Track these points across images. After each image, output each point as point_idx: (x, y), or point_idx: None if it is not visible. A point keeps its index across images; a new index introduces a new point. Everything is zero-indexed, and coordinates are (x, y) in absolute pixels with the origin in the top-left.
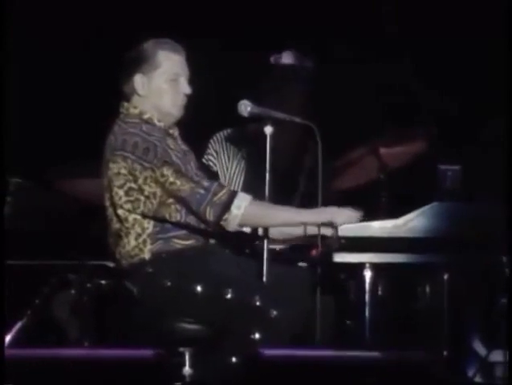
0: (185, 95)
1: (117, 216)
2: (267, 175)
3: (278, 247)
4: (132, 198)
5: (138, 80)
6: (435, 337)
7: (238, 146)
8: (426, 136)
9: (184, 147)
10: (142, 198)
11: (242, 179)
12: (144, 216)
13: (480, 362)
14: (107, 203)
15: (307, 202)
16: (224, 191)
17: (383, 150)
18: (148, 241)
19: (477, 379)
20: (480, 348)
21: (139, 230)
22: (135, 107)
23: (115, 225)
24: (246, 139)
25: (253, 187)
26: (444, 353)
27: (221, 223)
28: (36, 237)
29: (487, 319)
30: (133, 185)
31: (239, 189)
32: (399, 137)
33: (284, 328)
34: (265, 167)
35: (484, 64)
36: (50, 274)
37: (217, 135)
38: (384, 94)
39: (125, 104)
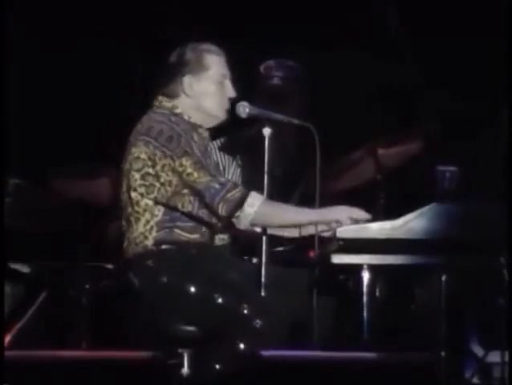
0: (230, 98)
1: (130, 199)
2: (266, 177)
3: (276, 249)
4: (147, 183)
5: (187, 82)
6: (433, 338)
7: (233, 154)
8: (424, 136)
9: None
10: (157, 184)
11: None
12: (157, 202)
13: (478, 363)
14: (124, 188)
15: (305, 203)
16: (238, 189)
17: (381, 151)
18: (155, 228)
19: (475, 380)
20: (478, 349)
21: (148, 217)
22: (168, 101)
23: (128, 210)
24: (241, 146)
25: None
26: (442, 354)
27: (233, 220)
28: (34, 238)
29: (485, 320)
30: (150, 170)
31: None
32: (397, 137)
33: (269, 339)
34: (261, 173)
35: (484, 63)
36: (49, 275)
37: (211, 144)
38: (383, 94)
39: (159, 97)
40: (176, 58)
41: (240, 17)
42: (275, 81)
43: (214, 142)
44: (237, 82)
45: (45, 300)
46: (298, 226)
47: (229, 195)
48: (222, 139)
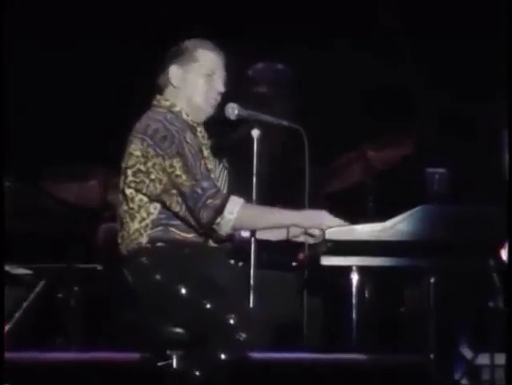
0: (219, 93)
1: (125, 195)
2: (254, 179)
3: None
4: (137, 179)
5: (174, 71)
6: (422, 340)
7: (219, 156)
8: (414, 138)
9: (205, 152)
10: (147, 181)
11: (226, 189)
12: (148, 197)
13: (467, 365)
14: (120, 185)
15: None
16: (218, 195)
17: (371, 153)
18: (150, 226)
19: (464, 382)
20: (467, 351)
21: (144, 214)
22: (166, 100)
23: (124, 207)
24: (229, 147)
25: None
26: (431, 356)
27: (214, 226)
28: (23, 239)
29: (474, 323)
30: (142, 167)
31: None
32: (387, 140)
33: (250, 351)
34: (247, 175)
35: (484, 63)
36: (38, 278)
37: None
38: (372, 96)
39: (158, 97)
40: (171, 49)
41: (236, 17)
42: (263, 85)
43: None
44: (231, 82)
45: (34, 302)
46: (281, 227)
47: (209, 201)
48: (210, 141)
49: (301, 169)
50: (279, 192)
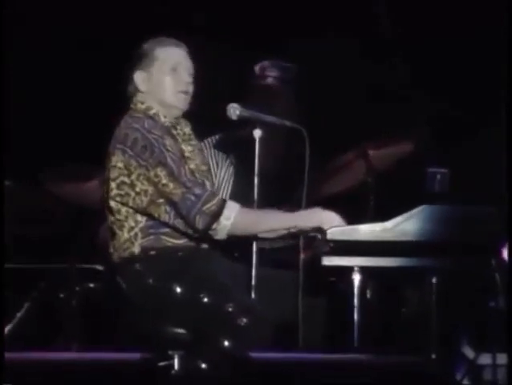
0: (187, 84)
1: (110, 208)
2: (256, 179)
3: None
4: (122, 192)
5: (138, 76)
6: (423, 340)
7: (226, 152)
8: (415, 137)
9: (188, 147)
10: (132, 194)
11: (231, 185)
12: (134, 210)
13: (468, 365)
14: (104, 197)
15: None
16: (214, 201)
17: (371, 152)
18: (140, 235)
19: (466, 382)
20: (468, 351)
21: (132, 223)
22: (142, 103)
23: (111, 218)
24: (235, 145)
25: (242, 192)
26: (433, 356)
27: (210, 232)
28: (24, 240)
29: (476, 323)
30: (126, 180)
31: (228, 195)
32: (388, 139)
33: (253, 337)
34: (250, 174)
35: (477, 65)
36: (39, 278)
37: (205, 141)
38: (374, 96)
39: (134, 99)
40: (130, 56)
41: (230, 16)
42: (269, 81)
43: (208, 139)
44: (232, 82)
45: (35, 302)
46: (279, 231)
47: (205, 208)
48: (216, 136)
49: (302, 168)
50: (281, 191)
